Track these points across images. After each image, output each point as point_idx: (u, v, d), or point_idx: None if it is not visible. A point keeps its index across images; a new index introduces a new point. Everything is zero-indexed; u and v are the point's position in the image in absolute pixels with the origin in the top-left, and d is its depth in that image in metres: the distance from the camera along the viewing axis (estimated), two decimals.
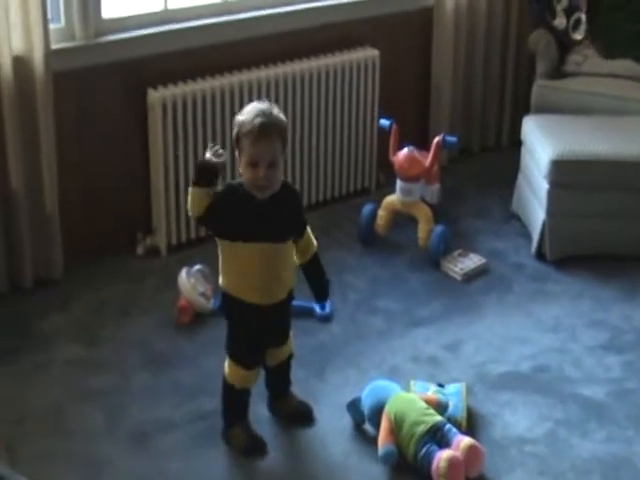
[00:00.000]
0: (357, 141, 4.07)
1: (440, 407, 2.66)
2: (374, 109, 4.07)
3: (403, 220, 3.71)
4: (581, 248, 3.64)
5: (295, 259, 2.59)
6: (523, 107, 4.40)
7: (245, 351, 2.59)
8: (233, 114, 3.63)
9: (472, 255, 3.63)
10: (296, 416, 2.74)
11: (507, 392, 2.89)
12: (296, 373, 2.92)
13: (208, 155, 2.46)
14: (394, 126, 3.71)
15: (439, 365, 3.03)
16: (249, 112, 2.40)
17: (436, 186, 3.91)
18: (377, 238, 3.73)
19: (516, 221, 3.92)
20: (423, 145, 4.18)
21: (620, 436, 2.71)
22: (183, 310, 3.20)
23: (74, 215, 3.52)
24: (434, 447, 2.52)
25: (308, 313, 3.25)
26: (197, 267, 3.30)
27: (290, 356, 2.72)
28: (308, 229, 2.59)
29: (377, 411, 2.65)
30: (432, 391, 2.76)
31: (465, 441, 2.53)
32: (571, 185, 3.56)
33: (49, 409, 2.80)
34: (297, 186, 3.90)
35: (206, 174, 2.44)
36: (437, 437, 2.55)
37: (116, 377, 2.95)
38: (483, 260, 3.60)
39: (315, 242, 2.61)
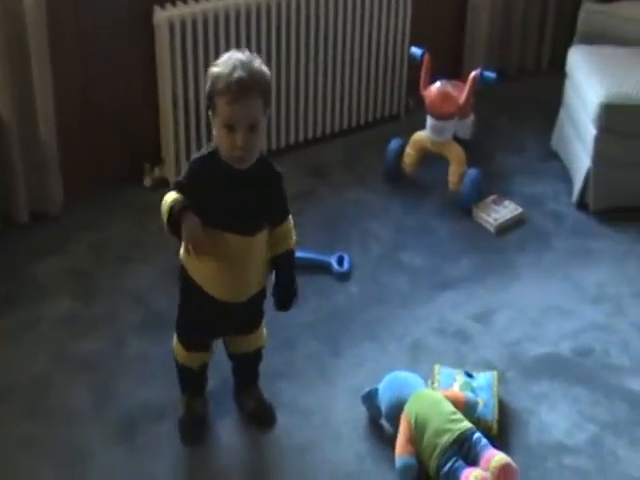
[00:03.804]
0: (386, 64, 3.26)
1: (468, 408, 2.02)
2: (405, 29, 3.23)
3: (432, 158, 2.95)
4: (628, 200, 2.86)
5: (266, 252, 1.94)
6: (566, 30, 3.53)
7: (190, 334, 2.00)
8: (249, 34, 2.92)
9: (507, 202, 2.88)
10: (254, 417, 2.11)
11: (544, 380, 2.23)
12: (309, 345, 2.33)
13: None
14: (426, 56, 2.90)
15: (468, 340, 2.36)
16: (225, 64, 1.74)
17: (470, 119, 3.12)
18: (403, 177, 3.00)
19: (555, 160, 3.13)
20: (456, 72, 3.38)
21: None
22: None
23: (74, 144, 2.81)
24: (460, 463, 1.89)
25: (324, 268, 2.59)
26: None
27: (258, 350, 2.08)
28: (290, 220, 1.92)
29: (396, 410, 2.02)
30: (459, 383, 2.11)
31: (496, 458, 1.88)
32: (623, 131, 2.75)
33: (32, 381, 2.20)
34: (320, 113, 3.17)
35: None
36: (464, 449, 1.92)
37: (108, 342, 2.32)
38: (519, 209, 2.85)
39: (294, 238, 1.93)
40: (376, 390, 2.08)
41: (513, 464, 1.90)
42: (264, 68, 1.77)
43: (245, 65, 1.71)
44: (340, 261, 2.61)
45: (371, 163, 3.09)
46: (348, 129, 3.26)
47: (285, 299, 1.93)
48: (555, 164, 3.12)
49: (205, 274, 1.87)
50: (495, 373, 2.19)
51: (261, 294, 1.97)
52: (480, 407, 2.05)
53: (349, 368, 2.26)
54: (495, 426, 2.06)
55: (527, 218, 2.85)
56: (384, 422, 2.09)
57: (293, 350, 2.31)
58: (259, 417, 2.09)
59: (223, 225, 1.81)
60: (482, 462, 1.89)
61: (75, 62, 2.73)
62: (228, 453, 2.00)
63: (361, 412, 2.12)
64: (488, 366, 2.25)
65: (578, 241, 2.76)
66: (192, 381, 2.07)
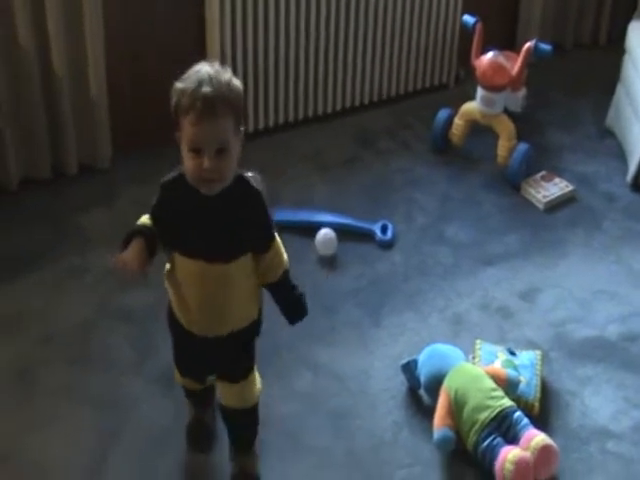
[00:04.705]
0: (437, 32, 3.16)
1: (510, 386, 1.97)
2: None
3: (481, 129, 2.86)
4: None
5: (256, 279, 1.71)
6: (626, 3, 3.40)
7: (178, 359, 1.85)
8: None
9: (557, 180, 2.79)
10: None
11: (589, 364, 2.17)
12: (350, 312, 2.29)
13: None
14: (479, 25, 2.80)
15: (511, 318, 2.30)
16: (190, 78, 1.54)
17: (522, 92, 3.02)
18: (451, 148, 2.92)
19: (610, 138, 3.03)
20: (509, 42, 3.28)
21: None
22: None
23: (124, 100, 2.79)
24: (499, 440, 1.86)
25: (367, 236, 2.55)
26: (248, 173, 2.56)
27: (247, 410, 1.82)
28: (277, 241, 1.69)
29: (435, 382, 1.99)
30: (501, 361, 2.06)
31: (537, 439, 1.84)
32: None
33: (77, 330, 2.21)
34: (368, 80, 3.09)
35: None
36: (503, 427, 1.88)
37: (152, 296, 2.26)
38: (570, 187, 2.77)
39: (286, 258, 1.71)
40: (415, 361, 2.05)
41: (554, 445, 1.86)
42: (235, 82, 1.56)
43: (212, 80, 1.50)
44: (383, 229, 2.56)
45: (418, 132, 3.02)
46: (396, 96, 3.18)
47: (298, 312, 1.73)
48: (610, 142, 3.02)
49: (180, 304, 1.71)
50: (539, 352, 2.14)
51: (249, 331, 1.73)
52: (522, 386, 2.00)
53: (389, 337, 2.23)
54: (537, 406, 2.01)
55: (578, 197, 2.76)
56: (423, 393, 2.05)
57: (334, 316, 2.28)
58: None
59: (194, 252, 1.62)
60: (522, 441, 1.86)
61: (126, 19, 2.69)
62: (264, 411, 1.95)
63: (400, 381, 2.08)
64: (531, 345, 2.20)
65: (630, 223, 2.66)
66: (195, 397, 1.94)
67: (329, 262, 2.45)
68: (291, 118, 2.99)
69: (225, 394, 1.81)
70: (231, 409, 1.81)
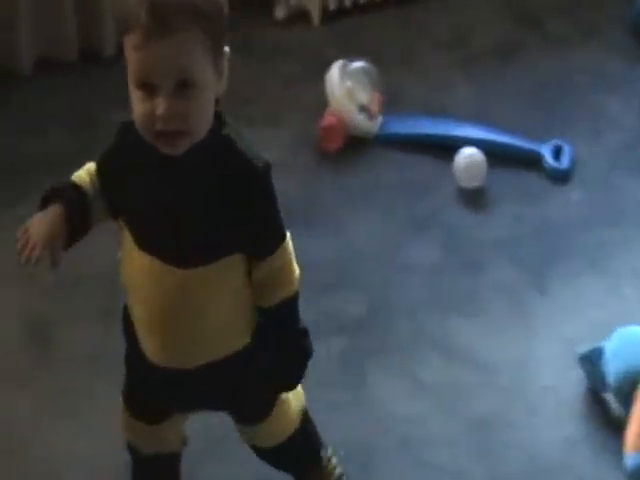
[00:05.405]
0: None
1: None
2: None
3: None
4: None
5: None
6: None
7: (132, 392, 1.70)
8: None
9: None
10: None
11: None
12: (502, 270, 2.39)
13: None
14: None
15: None
16: None
17: None
18: None
19: None
20: None
21: None
22: (329, 130, 2.60)
23: None
24: None
25: (532, 161, 2.57)
26: (359, 63, 2.66)
27: (289, 440, 1.73)
28: (286, 248, 1.52)
29: (630, 383, 1.95)
30: None
31: None
32: None
33: (105, 276, 2.19)
34: None
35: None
36: None
37: None
38: None
39: (297, 273, 1.55)
40: (601, 350, 2.02)
41: None
42: None
43: None
44: (557, 153, 2.59)
45: (611, 9, 3.09)
46: None
47: (284, 377, 1.59)
48: None
49: (134, 316, 1.57)
50: None
51: (244, 359, 1.57)
52: None
53: (560, 311, 2.23)
54: None
55: None
56: (610, 397, 2.03)
57: (478, 275, 2.31)
58: None
59: (143, 241, 1.49)
60: None
61: None
62: (371, 408, 2.00)
63: (576, 378, 2.07)
64: None
65: None
66: (145, 474, 1.79)
67: (473, 197, 2.49)
68: None
69: (246, 435, 1.73)
70: (258, 448, 1.75)
